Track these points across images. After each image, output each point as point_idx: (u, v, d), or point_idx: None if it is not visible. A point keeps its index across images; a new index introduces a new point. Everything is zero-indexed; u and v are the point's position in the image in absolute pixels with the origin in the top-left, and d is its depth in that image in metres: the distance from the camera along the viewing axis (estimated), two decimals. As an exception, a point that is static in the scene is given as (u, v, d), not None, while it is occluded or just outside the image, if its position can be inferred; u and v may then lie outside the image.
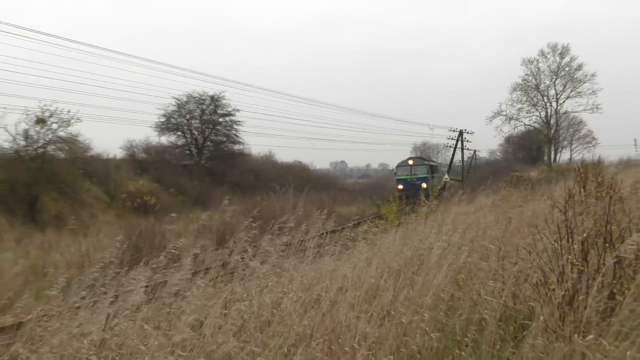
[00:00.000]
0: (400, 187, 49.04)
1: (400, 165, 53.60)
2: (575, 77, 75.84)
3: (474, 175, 61.79)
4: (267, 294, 7.00)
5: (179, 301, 6.69)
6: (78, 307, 6.07)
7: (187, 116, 49.94)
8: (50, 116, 32.47)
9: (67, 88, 41.36)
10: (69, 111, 33.06)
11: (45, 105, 32.40)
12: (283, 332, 5.63)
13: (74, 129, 34.22)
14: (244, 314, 6.22)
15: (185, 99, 49.04)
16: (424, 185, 47.56)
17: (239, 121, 51.16)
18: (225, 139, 51.47)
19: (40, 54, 49.25)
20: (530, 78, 77.41)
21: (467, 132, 64.58)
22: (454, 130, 63.69)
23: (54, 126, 33.03)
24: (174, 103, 48.65)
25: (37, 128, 32.51)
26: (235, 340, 5.32)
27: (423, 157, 56.87)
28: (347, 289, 6.88)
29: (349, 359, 4.99)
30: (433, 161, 64.64)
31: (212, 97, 49.66)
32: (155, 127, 48.52)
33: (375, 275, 7.29)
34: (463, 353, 5.74)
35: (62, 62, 51.86)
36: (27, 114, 32.16)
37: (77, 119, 33.58)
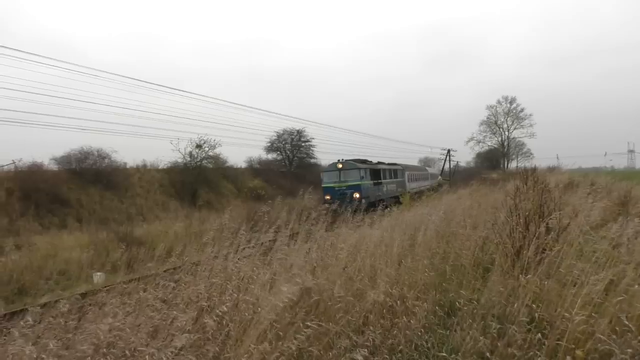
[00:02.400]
0: (327, 197, 24.12)
1: (326, 171, 26.95)
2: (519, 116, 76.32)
3: (456, 177, 60.12)
4: (329, 249, 6.97)
5: (275, 251, 6.73)
6: (216, 256, 6.17)
7: (283, 142, 50.50)
8: (204, 143, 33.75)
9: (214, 126, 42.96)
10: (214, 140, 34.42)
11: (201, 136, 33.72)
12: (339, 272, 5.60)
13: (217, 150, 35.46)
14: (314, 261, 6.20)
15: (282, 132, 49.79)
16: (357, 195, 24.15)
17: (314, 145, 51.29)
18: (305, 156, 51.47)
19: (199, 107, 50.98)
20: (491, 117, 78.01)
21: (453, 150, 64.27)
22: (444, 149, 63.78)
23: (206, 149, 34.34)
24: (275, 135, 49.40)
25: (197, 150, 33.76)
26: (310, 275, 5.32)
27: (361, 160, 28.23)
28: (376, 246, 6.81)
29: (379, 289, 4.93)
30: (384, 164, 32.48)
31: (298, 131, 50.19)
32: (264, 148, 49.24)
33: (394, 237, 7.19)
34: (450, 285, 5.64)
35: (212, 111, 53.87)
36: (191, 142, 33.51)
37: (219, 144, 34.83)
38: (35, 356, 3.51)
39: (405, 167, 38.35)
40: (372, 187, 26.52)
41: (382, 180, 29.02)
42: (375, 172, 28.07)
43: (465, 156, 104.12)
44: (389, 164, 33.33)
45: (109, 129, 33.08)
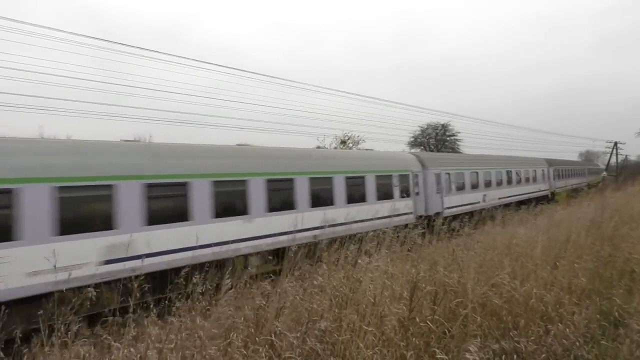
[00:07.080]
0: None
1: None
2: None
3: (625, 172, 52.47)
4: (476, 247, 6.74)
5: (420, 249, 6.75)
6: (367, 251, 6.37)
7: (427, 137, 49.96)
8: (349, 138, 35.52)
9: (358, 123, 44.52)
10: (358, 135, 36.60)
11: (346, 132, 36.14)
12: (490, 273, 5.39)
13: (360, 146, 37.02)
14: (461, 260, 6.05)
15: (426, 127, 49.47)
16: None
17: (459, 139, 49.80)
18: (450, 150, 50.12)
19: (345, 104, 52.99)
20: (674, 103, 64.80)
21: (621, 143, 56.98)
22: (610, 142, 57.01)
23: (350, 145, 36.63)
24: (419, 130, 49.30)
25: (341, 145, 36.07)
26: (456, 275, 5.20)
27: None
28: (529, 248, 6.39)
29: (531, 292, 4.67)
30: None
31: (442, 125, 49.41)
32: (407, 143, 49.55)
33: (551, 237, 6.69)
34: (617, 292, 5.09)
35: (358, 108, 56.05)
36: (336, 138, 36.02)
37: (363, 140, 36.94)
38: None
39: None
40: None
41: None
42: None
43: (636, 149, 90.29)
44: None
45: (261, 127, 37.10)
